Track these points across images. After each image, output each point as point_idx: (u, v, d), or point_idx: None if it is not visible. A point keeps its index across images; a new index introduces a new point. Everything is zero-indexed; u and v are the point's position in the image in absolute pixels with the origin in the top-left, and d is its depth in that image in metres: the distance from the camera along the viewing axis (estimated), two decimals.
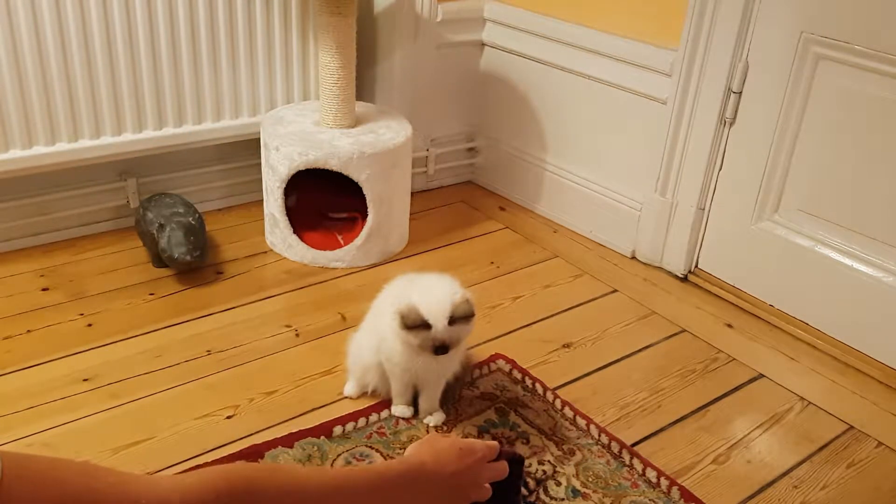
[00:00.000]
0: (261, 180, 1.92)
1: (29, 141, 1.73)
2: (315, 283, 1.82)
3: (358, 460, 1.30)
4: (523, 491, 1.25)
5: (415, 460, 0.96)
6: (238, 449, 1.30)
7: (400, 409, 1.40)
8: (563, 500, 1.25)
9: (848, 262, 1.64)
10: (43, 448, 1.29)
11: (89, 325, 1.62)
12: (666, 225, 1.93)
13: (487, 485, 1.02)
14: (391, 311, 1.27)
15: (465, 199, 2.32)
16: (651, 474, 1.31)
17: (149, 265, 1.83)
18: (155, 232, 1.75)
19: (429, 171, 2.32)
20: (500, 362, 1.57)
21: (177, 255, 1.71)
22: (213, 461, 1.27)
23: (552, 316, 1.77)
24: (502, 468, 1.05)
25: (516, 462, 1.10)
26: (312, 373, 1.52)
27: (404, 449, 1.32)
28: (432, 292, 1.26)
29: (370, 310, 1.43)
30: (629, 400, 1.51)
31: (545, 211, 2.23)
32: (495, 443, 1.08)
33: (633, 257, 2.03)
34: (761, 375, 1.61)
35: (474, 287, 1.85)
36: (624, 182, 2.02)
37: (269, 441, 1.32)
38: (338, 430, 1.36)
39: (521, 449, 1.35)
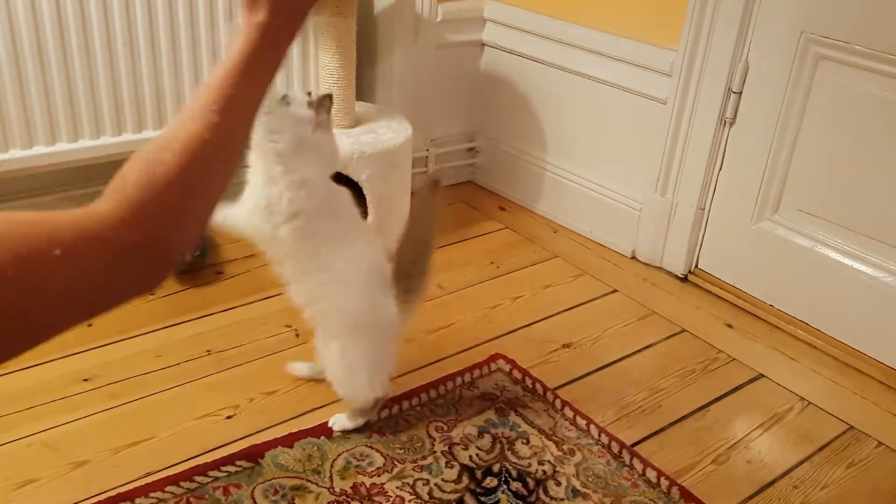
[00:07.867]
0: None
1: (29, 141, 1.73)
2: None
3: (358, 460, 1.30)
4: (523, 490, 1.26)
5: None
6: (238, 449, 1.31)
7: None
8: (563, 500, 1.25)
9: (848, 262, 1.64)
10: (43, 448, 1.29)
11: (89, 324, 1.61)
12: (666, 225, 1.93)
13: None
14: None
15: (465, 199, 2.31)
16: (651, 474, 1.31)
17: None
18: None
19: (429, 171, 2.32)
20: (500, 362, 1.57)
21: None
22: (212, 461, 1.27)
23: (552, 316, 1.77)
24: None
25: None
26: None
27: (404, 449, 1.33)
28: None
29: None
30: (629, 400, 1.51)
31: (545, 211, 2.23)
32: None
33: (633, 257, 2.03)
34: (761, 375, 1.61)
35: (474, 287, 1.86)
36: (624, 182, 2.02)
37: (268, 441, 1.32)
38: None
39: (521, 449, 1.35)
